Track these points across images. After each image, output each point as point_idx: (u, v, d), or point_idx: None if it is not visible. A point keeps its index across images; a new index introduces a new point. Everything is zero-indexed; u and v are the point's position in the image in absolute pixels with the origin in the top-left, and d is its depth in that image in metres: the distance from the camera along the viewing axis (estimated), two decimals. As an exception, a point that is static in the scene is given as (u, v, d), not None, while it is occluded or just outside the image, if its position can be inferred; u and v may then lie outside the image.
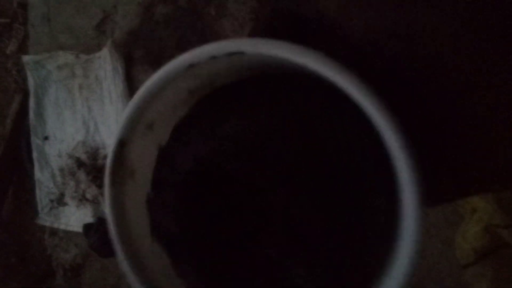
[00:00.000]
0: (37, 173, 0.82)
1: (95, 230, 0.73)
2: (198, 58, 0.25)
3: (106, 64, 0.72)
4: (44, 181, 0.82)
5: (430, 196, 0.22)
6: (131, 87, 0.73)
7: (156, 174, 0.31)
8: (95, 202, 0.77)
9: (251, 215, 0.29)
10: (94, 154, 0.78)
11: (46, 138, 0.82)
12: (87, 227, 0.76)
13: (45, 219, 0.82)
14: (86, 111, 0.77)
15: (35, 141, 0.82)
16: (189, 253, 0.30)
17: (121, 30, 0.73)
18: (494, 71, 0.23)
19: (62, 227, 0.81)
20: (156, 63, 0.70)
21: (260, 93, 0.29)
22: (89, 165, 0.77)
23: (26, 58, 0.80)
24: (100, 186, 0.77)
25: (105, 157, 0.77)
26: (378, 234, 0.26)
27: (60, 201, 0.81)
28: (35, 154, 0.82)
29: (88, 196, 0.77)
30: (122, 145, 0.29)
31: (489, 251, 0.60)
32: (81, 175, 0.77)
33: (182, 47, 0.65)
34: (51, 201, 0.82)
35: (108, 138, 0.76)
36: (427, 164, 0.22)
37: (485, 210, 0.59)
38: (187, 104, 0.32)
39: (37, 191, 0.82)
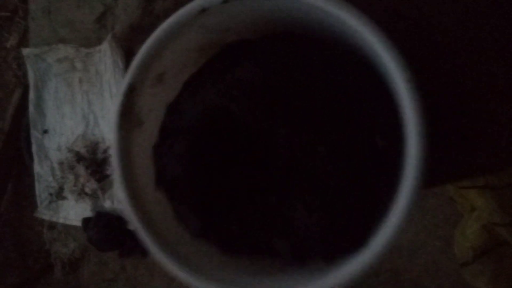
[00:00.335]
0: (37, 167, 0.82)
1: (94, 224, 0.73)
2: (210, 1, 0.25)
3: (106, 58, 0.72)
4: (43, 174, 0.82)
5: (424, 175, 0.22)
6: (131, 81, 0.73)
7: (164, 123, 0.31)
8: (94, 196, 0.77)
9: (254, 160, 0.29)
10: (94, 148, 0.78)
11: (45, 131, 0.82)
12: (86, 221, 0.76)
13: (44, 213, 0.82)
14: (86, 105, 0.77)
15: (35, 134, 0.81)
16: (190, 196, 0.30)
17: (122, 24, 0.72)
18: (495, 53, 0.23)
19: (61, 221, 0.81)
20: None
21: (269, 46, 0.30)
22: (88, 159, 0.77)
23: (26, 51, 0.80)
24: (99, 180, 0.77)
25: (104, 151, 0.77)
26: (380, 181, 0.26)
27: (59, 195, 0.81)
28: (34, 148, 0.82)
29: (87, 190, 0.77)
30: (131, 89, 0.29)
31: (488, 249, 0.60)
32: (80, 169, 0.77)
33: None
34: (50, 194, 0.81)
35: (107, 132, 0.76)
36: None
37: (484, 208, 0.59)
38: (197, 63, 0.32)
39: (36, 185, 0.82)
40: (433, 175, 0.25)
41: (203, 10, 0.26)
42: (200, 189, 0.30)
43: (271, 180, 0.29)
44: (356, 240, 0.25)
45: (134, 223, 0.29)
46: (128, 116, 0.29)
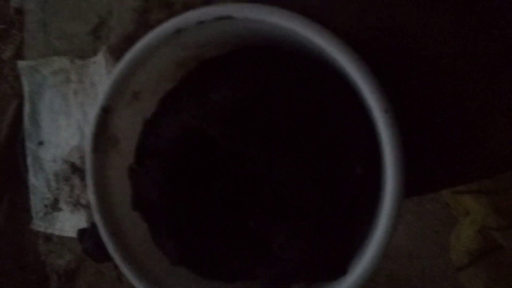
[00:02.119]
0: (32, 179, 0.82)
1: (90, 235, 0.73)
2: (185, 22, 0.25)
3: (101, 69, 0.73)
4: (39, 186, 0.81)
5: (413, 184, 0.22)
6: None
7: (140, 143, 0.31)
8: (90, 207, 0.77)
9: (233, 184, 0.29)
10: (89, 158, 0.78)
11: (41, 143, 0.82)
12: (81, 232, 0.75)
13: (39, 225, 0.82)
14: (81, 116, 0.77)
15: (30, 146, 0.82)
16: (168, 221, 0.29)
17: (116, 36, 0.73)
18: (481, 60, 0.23)
19: (57, 232, 0.81)
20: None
21: (247, 64, 0.29)
22: (83, 170, 0.77)
23: (21, 64, 0.80)
24: (95, 191, 0.77)
25: (100, 161, 0.77)
26: (360, 207, 0.26)
27: (54, 206, 0.81)
28: (29, 160, 0.82)
29: (82, 201, 0.77)
30: (105, 111, 0.28)
31: (483, 253, 0.60)
32: (76, 180, 0.77)
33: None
34: (46, 206, 0.81)
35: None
36: (413, 151, 0.22)
37: (479, 213, 0.59)
38: (174, 78, 0.31)
39: (32, 197, 0.82)
40: (422, 183, 0.26)
41: (178, 31, 0.26)
42: (178, 214, 0.29)
43: (250, 205, 0.28)
44: (337, 267, 0.25)
45: (109, 249, 0.29)
46: (102, 137, 0.29)
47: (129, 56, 0.27)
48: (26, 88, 0.81)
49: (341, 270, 0.25)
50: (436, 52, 0.23)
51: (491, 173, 0.29)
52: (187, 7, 0.67)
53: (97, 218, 0.29)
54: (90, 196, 0.29)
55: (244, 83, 0.27)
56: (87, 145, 0.29)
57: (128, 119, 0.30)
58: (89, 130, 0.29)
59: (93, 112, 0.29)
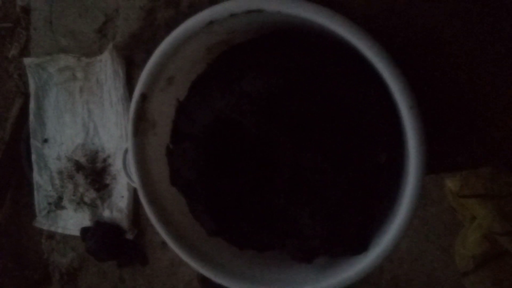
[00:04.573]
0: (36, 176, 0.82)
1: (93, 233, 0.73)
2: (218, 14, 0.27)
3: (107, 67, 0.73)
4: (43, 184, 0.81)
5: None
6: (131, 90, 0.74)
7: (175, 126, 0.34)
8: (93, 206, 0.76)
9: (262, 166, 0.31)
10: (93, 157, 0.78)
11: (45, 140, 0.82)
12: (84, 230, 0.75)
13: (42, 222, 0.82)
14: (86, 114, 0.77)
15: (35, 143, 0.82)
16: (204, 198, 0.32)
17: (123, 34, 0.73)
18: (489, 44, 0.24)
19: (60, 230, 0.81)
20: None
21: (274, 50, 0.31)
22: (87, 168, 0.77)
23: (27, 61, 0.81)
24: (98, 189, 0.76)
25: (104, 160, 0.77)
26: (380, 190, 0.28)
27: (58, 204, 0.81)
28: (34, 157, 0.82)
29: (86, 199, 0.77)
30: (143, 98, 0.31)
31: (488, 259, 0.60)
32: (80, 178, 0.77)
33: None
34: (49, 204, 0.81)
35: (107, 141, 0.76)
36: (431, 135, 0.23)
37: (485, 217, 0.59)
38: (204, 61, 0.33)
39: (35, 194, 0.82)
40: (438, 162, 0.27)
41: (211, 23, 0.27)
42: (214, 192, 0.32)
43: (279, 186, 0.30)
44: (358, 244, 0.27)
45: (152, 220, 0.32)
46: (142, 121, 0.32)
47: (163, 46, 0.29)
48: (32, 85, 0.81)
49: (362, 247, 0.27)
50: (446, 34, 0.24)
51: (496, 159, 0.30)
52: (193, 6, 0.67)
53: (141, 194, 0.32)
54: (134, 174, 0.32)
55: (273, 73, 0.29)
56: (129, 130, 0.32)
57: (163, 103, 0.33)
58: (130, 115, 0.32)
59: (133, 99, 0.31)
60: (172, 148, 0.34)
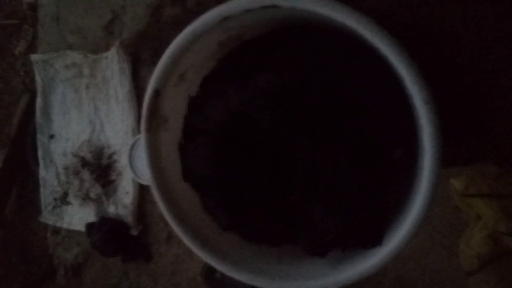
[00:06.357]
0: (42, 172, 0.82)
1: (98, 229, 0.73)
2: (233, 10, 0.27)
3: (113, 64, 0.73)
4: (49, 179, 0.82)
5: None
6: (137, 87, 0.74)
7: (187, 122, 0.34)
8: (99, 201, 0.77)
9: (276, 161, 0.31)
10: (99, 153, 0.78)
11: (52, 136, 0.82)
12: (89, 226, 0.76)
13: (48, 218, 0.82)
14: (92, 111, 0.78)
15: (41, 139, 0.82)
16: (218, 193, 0.32)
17: (129, 31, 0.73)
18: (502, 40, 0.24)
19: (65, 226, 0.81)
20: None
21: (287, 45, 0.31)
22: (93, 164, 0.78)
23: (34, 57, 0.81)
24: (104, 185, 0.77)
25: (109, 156, 0.77)
26: (394, 186, 0.28)
27: (63, 199, 0.81)
28: (40, 153, 0.82)
29: (91, 195, 0.77)
30: (156, 94, 0.31)
31: (493, 258, 0.60)
32: (85, 174, 0.78)
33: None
34: (55, 199, 0.82)
35: (113, 137, 0.77)
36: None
37: (490, 217, 0.59)
38: (215, 57, 0.34)
39: (41, 190, 0.83)
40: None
41: (225, 19, 0.27)
42: (226, 187, 0.32)
43: (294, 181, 0.30)
44: (372, 238, 0.28)
45: (165, 215, 0.32)
46: (154, 118, 0.32)
47: (176, 42, 0.29)
48: (38, 81, 0.81)
49: (376, 241, 0.27)
50: (459, 28, 0.24)
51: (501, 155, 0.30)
52: (200, 4, 0.67)
53: (154, 188, 0.32)
54: (147, 170, 0.32)
55: (286, 69, 0.29)
56: (142, 126, 0.32)
57: (175, 99, 0.33)
58: (143, 111, 0.32)
59: (146, 95, 0.31)
60: (184, 144, 0.34)
